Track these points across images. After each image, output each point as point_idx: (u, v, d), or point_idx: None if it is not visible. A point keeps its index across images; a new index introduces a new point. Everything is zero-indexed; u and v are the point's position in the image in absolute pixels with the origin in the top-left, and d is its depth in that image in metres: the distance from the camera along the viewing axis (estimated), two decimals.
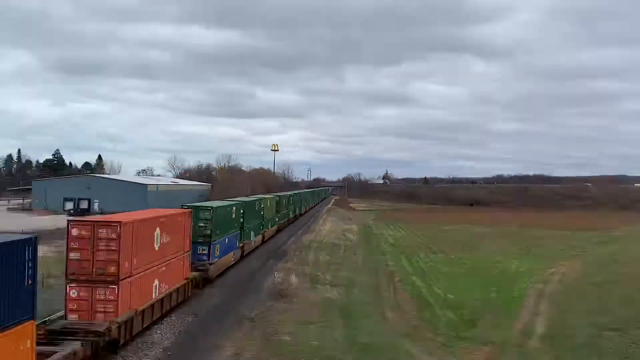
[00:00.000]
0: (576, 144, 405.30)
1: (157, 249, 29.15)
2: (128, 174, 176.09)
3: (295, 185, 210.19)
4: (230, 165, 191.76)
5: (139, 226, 26.70)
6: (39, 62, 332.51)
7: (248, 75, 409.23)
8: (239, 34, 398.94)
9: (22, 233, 62.43)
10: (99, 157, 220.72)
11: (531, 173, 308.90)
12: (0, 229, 70.48)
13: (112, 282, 23.97)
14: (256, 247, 60.97)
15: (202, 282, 39.17)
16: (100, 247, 23.85)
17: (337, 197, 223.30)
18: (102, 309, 23.88)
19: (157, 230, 29.12)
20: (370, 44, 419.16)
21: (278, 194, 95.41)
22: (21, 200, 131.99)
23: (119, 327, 23.90)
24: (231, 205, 49.62)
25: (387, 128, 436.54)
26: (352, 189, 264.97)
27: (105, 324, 22.81)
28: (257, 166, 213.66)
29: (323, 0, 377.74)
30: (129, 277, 25.21)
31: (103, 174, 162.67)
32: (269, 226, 70.75)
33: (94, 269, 23.78)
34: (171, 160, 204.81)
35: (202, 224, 39.32)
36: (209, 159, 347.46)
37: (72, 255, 23.80)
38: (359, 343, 28.09)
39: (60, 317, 23.80)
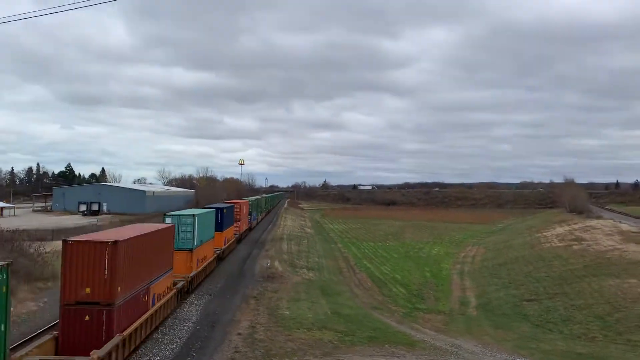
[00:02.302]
0: (461, 158, 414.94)
1: (245, 215, 55.20)
2: (127, 183, 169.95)
3: (257, 191, 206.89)
4: (207, 176, 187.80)
5: (239, 207, 51.00)
6: (52, 94, 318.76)
7: (217, 106, 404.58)
8: (211, 74, 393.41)
9: (53, 230, 58.97)
10: (102, 169, 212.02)
11: (430, 181, 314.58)
12: (33, 227, 66.51)
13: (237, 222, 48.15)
14: (259, 221, 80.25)
15: (250, 229, 63.94)
16: (237, 214, 48.43)
17: (289, 200, 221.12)
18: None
19: (245, 208, 55.28)
20: (312, 84, 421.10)
21: (264, 196, 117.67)
22: (43, 204, 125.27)
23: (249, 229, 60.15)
24: (255, 200, 76.00)
25: (323, 147, 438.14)
26: (300, 194, 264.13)
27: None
28: (226, 176, 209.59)
29: (274, 49, 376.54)
30: (240, 222, 50.40)
31: (106, 182, 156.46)
32: (262, 211, 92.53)
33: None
34: (161, 172, 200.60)
35: (249, 207, 61.59)
36: (187, 171, 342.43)
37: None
38: (343, 315, 27.23)
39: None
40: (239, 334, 23.29)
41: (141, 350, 19.87)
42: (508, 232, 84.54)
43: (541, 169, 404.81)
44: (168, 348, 20.89)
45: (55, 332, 15.75)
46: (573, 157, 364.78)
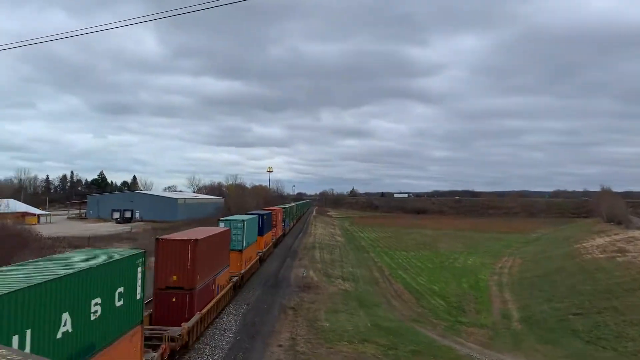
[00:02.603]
0: (491, 166, 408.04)
1: (280, 221, 58.20)
2: (158, 190, 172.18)
3: (285, 198, 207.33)
4: (236, 183, 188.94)
5: (276, 213, 54.58)
6: (85, 104, 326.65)
7: (245, 115, 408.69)
8: (240, 83, 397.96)
9: (89, 237, 60.31)
10: (134, 177, 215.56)
11: (459, 189, 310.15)
12: (70, 234, 67.68)
13: (273, 228, 52.79)
14: (291, 227, 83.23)
15: (284, 235, 66.21)
16: (273, 220, 52.20)
17: (317, 207, 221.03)
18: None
19: (280, 215, 57.92)
20: (339, 92, 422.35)
21: (295, 204, 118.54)
22: (77, 211, 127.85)
23: (283, 235, 63.83)
24: (288, 207, 79.17)
25: (350, 154, 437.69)
26: (328, 201, 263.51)
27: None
28: (255, 183, 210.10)
29: (302, 57, 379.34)
30: (276, 227, 54.31)
31: (137, 190, 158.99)
32: (294, 218, 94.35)
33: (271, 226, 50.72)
34: (190, 179, 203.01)
35: (283, 214, 63.59)
36: (216, 178, 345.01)
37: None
38: (383, 327, 26.66)
39: None
40: (280, 345, 23.02)
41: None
42: (544, 242, 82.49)
43: (573, 177, 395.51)
44: (210, 359, 20.74)
45: (149, 310, 19.53)
46: (607, 165, 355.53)
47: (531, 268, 51.82)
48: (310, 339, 23.87)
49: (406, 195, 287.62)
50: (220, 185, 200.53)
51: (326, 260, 52.42)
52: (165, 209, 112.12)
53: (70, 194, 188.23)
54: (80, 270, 9.92)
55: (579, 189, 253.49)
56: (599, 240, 59.59)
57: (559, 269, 45.76)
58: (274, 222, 53.20)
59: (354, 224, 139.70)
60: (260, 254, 41.23)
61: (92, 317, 10.35)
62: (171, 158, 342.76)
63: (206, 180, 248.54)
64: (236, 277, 29.80)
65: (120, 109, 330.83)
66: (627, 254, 45.60)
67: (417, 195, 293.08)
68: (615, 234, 63.01)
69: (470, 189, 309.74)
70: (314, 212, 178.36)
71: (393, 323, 27.58)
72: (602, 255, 47.61)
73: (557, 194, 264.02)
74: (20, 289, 8.01)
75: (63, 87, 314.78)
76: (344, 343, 23.55)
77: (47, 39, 22.27)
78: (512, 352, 22.96)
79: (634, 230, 63.96)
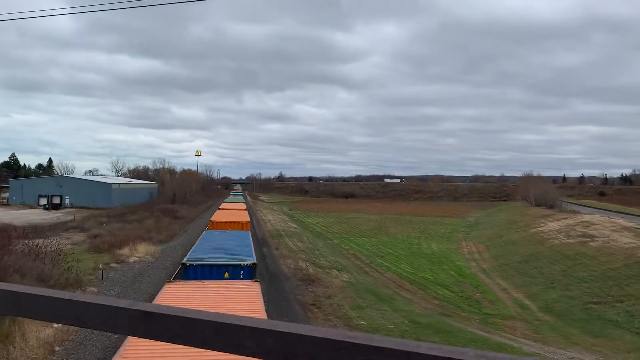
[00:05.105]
0: (408, 152, 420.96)
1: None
2: (79, 174, 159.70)
3: (214, 182, 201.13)
4: (166, 167, 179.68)
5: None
6: None
7: (164, 95, 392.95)
8: (159, 62, 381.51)
9: (26, 226, 53.59)
10: (50, 160, 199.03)
11: (380, 173, 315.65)
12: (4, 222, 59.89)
13: None
14: None
15: None
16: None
17: (247, 192, 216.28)
18: None
19: None
20: (263, 74, 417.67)
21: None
22: None
23: None
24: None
25: (273, 139, 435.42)
26: (256, 186, 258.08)
27: None
28: (179, 167, 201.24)
29: (225, 38, 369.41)
30: None
31: (55, 174, 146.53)
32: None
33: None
34: (114, 162, 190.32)
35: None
36: (133, 161, 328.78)
37: None
38: (423, 324, 24.87)
39: None
40: None
41: None
42: (490, 226, 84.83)
43: (484, 162, 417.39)
44: None
45: None
46: (514, 152, 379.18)
47: (502, 254, 52.44)
48: None
49: (399, 180, 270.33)
50: (147, 170, 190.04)
51: (302, 249, 49.92)
52: (98, 195, 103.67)
53: None
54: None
55: (489, 173, 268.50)
56: (553, 225, 61.69)
57: (535, 255, 46.50)
58: None
59: (293, 209, 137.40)
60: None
61: None
62: (83, 139, 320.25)
63: (131, 164, 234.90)
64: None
65: (27, 86, 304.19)
66: (595, 238, 47.19)
67: (344, 180, 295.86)
68: (564, 219, 65.62)
69: (389, 173, 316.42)
70: (248, 197, 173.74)
71: (427, 318, 25.94)
72: (571, 240, 48.98)
73: (476, 178, 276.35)
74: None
75: None
76: None
77: None
78: (571, 346, 22.09)
79: (581, 214, 66.99)
